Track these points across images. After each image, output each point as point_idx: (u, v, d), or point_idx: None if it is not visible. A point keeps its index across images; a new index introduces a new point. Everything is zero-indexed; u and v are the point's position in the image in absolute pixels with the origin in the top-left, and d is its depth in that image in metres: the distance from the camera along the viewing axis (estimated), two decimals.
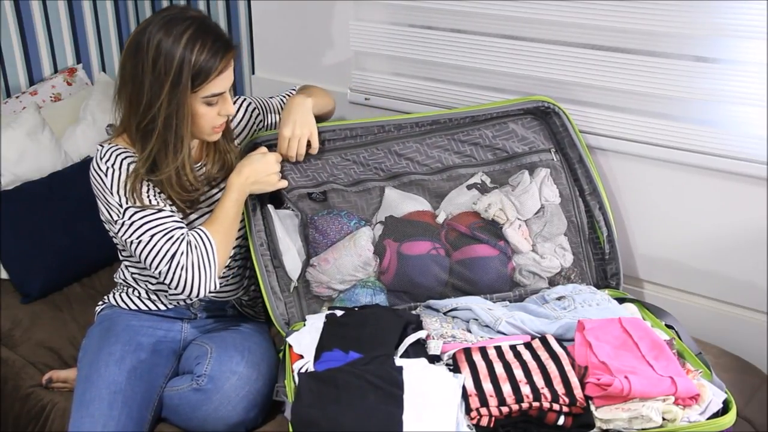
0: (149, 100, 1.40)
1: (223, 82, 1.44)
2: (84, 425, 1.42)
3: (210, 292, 1.49)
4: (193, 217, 1.58)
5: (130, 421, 1.44)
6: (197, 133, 1.50)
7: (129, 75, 1.42)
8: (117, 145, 1.49)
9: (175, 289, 1.46)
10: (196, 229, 1.49)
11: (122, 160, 1.47)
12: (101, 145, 1.50)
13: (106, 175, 1.46)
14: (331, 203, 1.70)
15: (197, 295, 1.47)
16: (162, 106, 1.40)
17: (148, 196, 1.47)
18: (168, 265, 1.44)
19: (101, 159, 1.47)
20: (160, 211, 1.47)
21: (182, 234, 1.46)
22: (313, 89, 1.77)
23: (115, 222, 1.47)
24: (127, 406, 1.44)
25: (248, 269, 1.74)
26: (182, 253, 1.44)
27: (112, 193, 1.46)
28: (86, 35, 2.49)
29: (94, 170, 1.48)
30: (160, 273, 1.45)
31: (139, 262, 1.50)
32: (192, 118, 1.45)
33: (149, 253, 1.44)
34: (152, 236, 1.44)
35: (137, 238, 1.45)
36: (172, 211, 1.50)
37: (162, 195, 1.50)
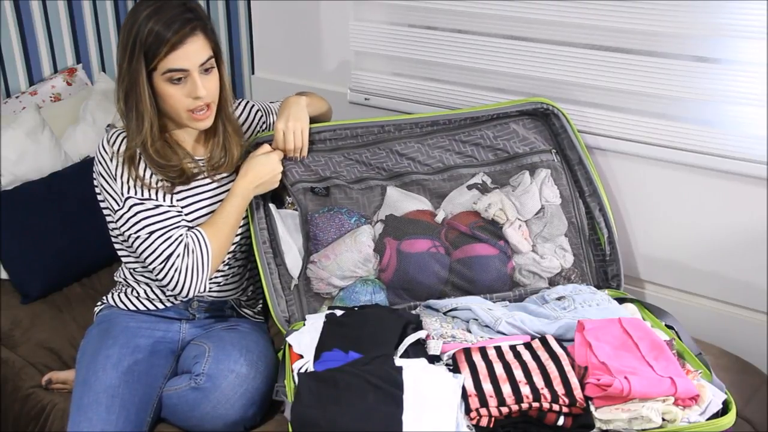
0: (118, 75, 1.45)
1: (180, 58, 1.41)
2: (82, 429, 1.42)
3: (199, 293, 1.52)
4: (192, 208, 1.57)
5: (128, 424, 1.43)
6: (174, 117, 1.50)
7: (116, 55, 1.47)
8: (125, 130, 1.50)
9: (165, 286, 1.49)
10: (194, 231, 1.50)
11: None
12: (110, 130, 1.52)
13: (111, 161, 1.48)
14: (333, 199, 1.71)
15: (185, 296, 1.50)
16: (124, 81, 1.43)
17: (149, 179, 1.49)
18: (163, 264, 1.46)
19: (107, 142, 1.50)
20: (158, 206, 1.48)
21: (180, 236, 1.47)
22: (309, 93, 1.78)
23: (115, 211, 1.49)
24: (125, 410, 1.44)
25: (248, 270, 1.74)
26: (178, 256, 1.46)
27: (115, 179, 1.48)
28: (86, 35, 2.48)
29: (100, 154, 1.50)
30: (153, 269, 1.48)
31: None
32: (162, 98, 1.45)
33: (145, 249, 1.47)
34: (150, 233, 1.47)
35: (135, 233, 1.47)
36: (170, 206, 1.50)
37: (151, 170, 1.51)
